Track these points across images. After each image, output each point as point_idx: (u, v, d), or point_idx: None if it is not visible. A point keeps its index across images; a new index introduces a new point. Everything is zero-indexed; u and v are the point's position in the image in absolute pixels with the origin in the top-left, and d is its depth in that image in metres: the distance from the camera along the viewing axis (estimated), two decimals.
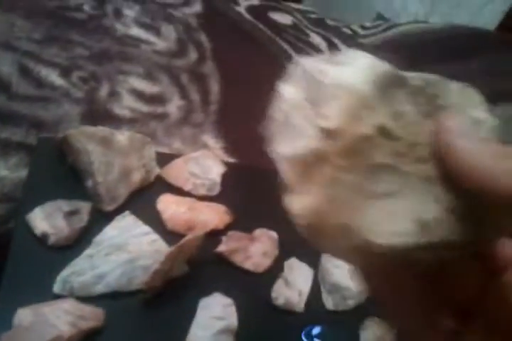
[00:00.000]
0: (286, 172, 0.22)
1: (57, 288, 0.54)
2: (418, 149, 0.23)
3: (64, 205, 0.61)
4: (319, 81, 0.22)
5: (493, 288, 0.25)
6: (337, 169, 0.21)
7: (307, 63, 0.23)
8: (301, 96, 0.23)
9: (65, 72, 0.92)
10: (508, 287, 0.24)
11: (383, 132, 0.22)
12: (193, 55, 1.11)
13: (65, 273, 0.55)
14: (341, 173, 0.22)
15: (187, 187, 0.71)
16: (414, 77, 0.24)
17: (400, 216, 0.22)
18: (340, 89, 0.22)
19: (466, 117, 0.24)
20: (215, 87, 1.06)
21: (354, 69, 0.23)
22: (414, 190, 0.23)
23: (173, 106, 0.96)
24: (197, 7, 1.24)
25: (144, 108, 0.92)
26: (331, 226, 0.22)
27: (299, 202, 0.21)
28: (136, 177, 0.69)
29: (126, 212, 0.64)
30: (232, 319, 0.57)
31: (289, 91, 0.23)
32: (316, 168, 0.21)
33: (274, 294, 0.62)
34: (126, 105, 0.91)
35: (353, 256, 0.23)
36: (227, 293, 0.60)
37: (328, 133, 0.21)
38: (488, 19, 1.87)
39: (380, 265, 0.24)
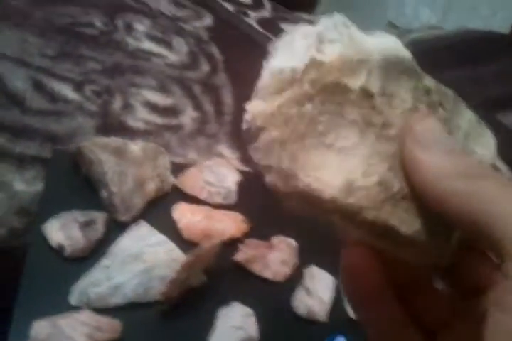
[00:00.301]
0: (263, 81, 0.22)
1: (73, 299, 0.53)
2: (387, 128, 0.23)
3: (79, 216, 0.61)
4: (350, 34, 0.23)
5: (463, 312, 0.24)
6: (306, 101, 0.22)
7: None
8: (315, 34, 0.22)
9: (78, 86, 0.92)
10: (480, 313, 0.21)
11: (366, 95, 0.22)
12: (205, 67, 1.11)
13: (81, 284, 0.54)
14: (308, 107, 0.22)
15: (202, 196, 0.70)
16: (431, 80, 0.24)
17: (338, 170, 0.22)
18: (358, 44, 0.22)
19: (442, 121, 0.23)
20: (228, 98, 1.05)
21: (386, 38, 0.23)
22: (364, 158, 0.22)
23: (187, 118, 0.95)
24: (208, 20, 1.24)
25: (158, 120, 0.92)
26: (276, 146, 0.22)
27: (257, 105, 0.22)
28: (151, 187, 0.68)
29: (142, 222, 0.63)
30: (252, 329, 0.55)
31: (307, 27, 0.23)
32: (290, 90, 0.22)
33: (295, 303, 0.61)
34: (140, 117, 0.91)
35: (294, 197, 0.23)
36: (246, 302, 0.59)
37: (316, 65, 0.22)
38: (501, 26, 1.86)
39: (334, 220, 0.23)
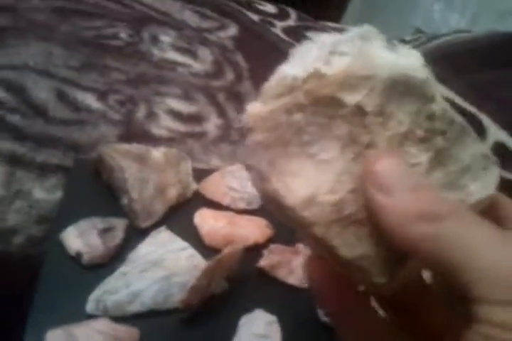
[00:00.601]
0: (269, 84, 0.23)
1: (89, 307, 0.51)
2: (370, 148, 0.23)
3: (98, 223, 0.59)
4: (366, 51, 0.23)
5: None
6: (297, 110, 0.22)
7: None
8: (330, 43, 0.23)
9: (102, 96, 0.92)
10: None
11: (360, 112, 0.23)
12: (229, 76, 1.11)
13: (97, 292, 0.53)
14: (298, 116, 0.22)
15: (225, 202, 0.68)
16: (443, 105, 0.24)
17: (309, 181, 0.22)
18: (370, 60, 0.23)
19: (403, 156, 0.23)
20: None
21: (406, 56, 0.23)
22: (337, 174, 0.23)
23: (211, 125, 0.94)
24: (232, 30, 1.24)
25: (182, 127, 0.91)
26: (259, 149, 0.22)
27: (255, 107, 0.22)
28: (173, 193, 0.66)
29: (162, 227, 0.61)
30: (276, 337, 0.53)
31: (327, 37, 0.23)
32: (287, 97, 0.22)
33: (320, 310, 0.58)
34: (164, 125, 0.90)
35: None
36: (270, 309, 0.56)
37: (317, 77, 0.22)
38: None
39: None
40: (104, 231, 0.59)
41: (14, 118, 0.80)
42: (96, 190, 0.66)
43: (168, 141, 0.87)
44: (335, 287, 0.25)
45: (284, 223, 0.24)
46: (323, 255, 0.24)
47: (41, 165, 0.74)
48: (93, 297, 0.52)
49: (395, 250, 0.22)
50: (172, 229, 0.62)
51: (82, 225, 0.59)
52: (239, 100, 1.04)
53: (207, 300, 0.55)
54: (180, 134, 0.89)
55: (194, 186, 0.70)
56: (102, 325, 0.49)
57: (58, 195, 0.69)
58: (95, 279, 0.54)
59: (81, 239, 0.57)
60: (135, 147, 0.69)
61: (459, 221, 0.20)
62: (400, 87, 0.23)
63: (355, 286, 0.25)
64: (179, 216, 0.65)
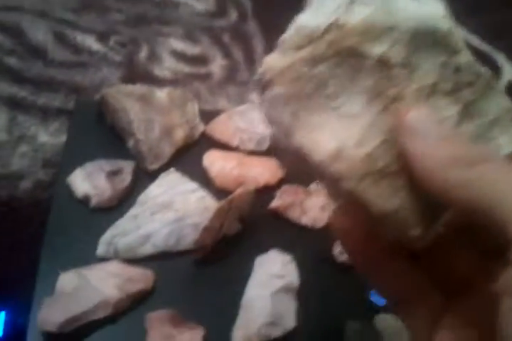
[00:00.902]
0: (287, 34, 0.21)
1: (100, 250, 0.51)
2: (397, 101, 0.22)
3: (105, 165, 0.58)
4: None
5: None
6: (320, 61, 0.21)
7: None
8: None
9: (102, 37, 0.88)
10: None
11: (384, 64, 0.22)
12: (233, 15, 1.06)
13: (108, 234, 0.52)
14: (321, 68, 0.21)
15: (234, 143, 0.66)
16: (468, 56, 0.23)
17: (334, 135, 0.22)
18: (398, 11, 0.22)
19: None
20: (258, 46, 1.01)
21: (431, 6, 0.22)
22: (363, 127, 0.22)
23: (216, 66, 0.91)
24: None
25: (186, 69, 0.88)
26: (280, 102, 0.22)
27: (273, 59, 0.21)
28: (180, 135, 0.64)
29: (171, 169, 0.60)
30: (292, 277, 0.52)
31: None
32: (307, 48, 0.21)
33: (336, 250, 0.57)
34: (167, 66, 0.87)
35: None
36: (284, 250, 0.55)
37: (338, 27, 0.21)
38: None
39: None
40: (112, 174, 0.57)
41: (11, 61, 0.77)
42: (100, 133, 0.64)
43: (173, 82, 0.84)
44: (363, 239, 0.24)
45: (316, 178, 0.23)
46: (354, 210, 0.23)
47: (43, 108, 0.72)
48: (104, 240, 0.51)
49: (430, 202, 0.21)
50: (181, 171, 0.61)
51: (89, 168, 0.57)
52: (244, 40, 1.01)
53: (220, 242, 0.54)
54: (185, 76, 0.86)
55: (201, 127, 0.68)
56: (115, 267, 0.48)
57: (63, 138, 0.67)
58: (105, 222, 0.53)
59: (88, 181, 0.55)
60: (138, 87, 0.66)
61: (492, 166, 0.20)
62: (425, 39, 0.22)
63: (383, 239, 0.24)
64: (187, 158, 0.64)
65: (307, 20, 0.21)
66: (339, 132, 0.22)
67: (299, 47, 0.21)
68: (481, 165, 0.20)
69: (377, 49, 0.21)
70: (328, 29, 0.21)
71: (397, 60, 0.22)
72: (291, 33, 0.21)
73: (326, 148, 0.21)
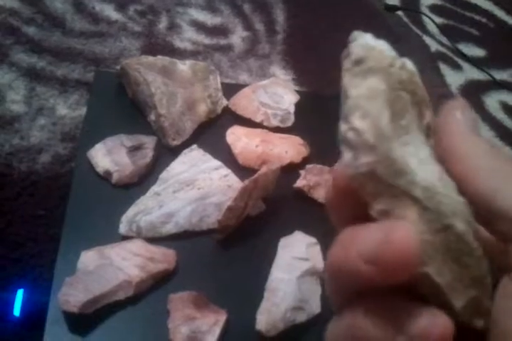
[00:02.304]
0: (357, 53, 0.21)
1: (123, 228, 0.49)
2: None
3: (126, 140, 0.56)
4: None
5: None
6: (402, 89, 0.21)
7: None
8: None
9: (121, 6, 0.86)
10: None
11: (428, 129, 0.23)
12: None
13: (130, 212, 0.50)
14: (404, 94, 0.21)
15: (258, 119, 0.64)
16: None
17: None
18: None
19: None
20: (280, 16, 0.98)
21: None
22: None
23: (237, 38, 0.89)
24: None
25: (206, 40, 0.86)
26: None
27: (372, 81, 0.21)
28: (202, 109, 0.62)
29: (194, 146, 0.58)
30: (317, 259, 0.51)
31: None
32: (389, 73, 0.21)
33: None
34: (187, 37, 0.85)
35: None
36: (309, 231, 0.54)
37: (403, 68, 0.22)
38: None
39: None
40: (133, 150, 0.56)
41: (30, 30, 0.75)
42: (120, 106, 0.63)
43: (193, 54, 0.82)
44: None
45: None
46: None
47: (61, 79, 0.70)
48: (126, 218, 0.50)
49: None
50: (203, 147, 0.59)
51: (110, 143, 0.56)
52: (266, 11, 0.98)
53: (243, 222, 0.52)
54: (205, 47, 0.84)
55: (224, 102, 0.66)
56: (137, 246, 0.47)
57: (81, 111, 0.65)
58: (126, 199, 0.52)
59: (109, 157, 0.54)
60: (160, 59, 0.64)
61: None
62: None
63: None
64: (210, 134, 0.62)
65: (383, 46, 0.21)
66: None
67: (380, 70, 0.21)
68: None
69: (427, 114, 0.22)
70: (403, 65, 0.21)
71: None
72: (364, 42, 0.21)
73: None
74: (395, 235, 0.18)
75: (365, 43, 0.21)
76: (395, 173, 0.20)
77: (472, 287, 0.20)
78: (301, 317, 0.46)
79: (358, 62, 0.20)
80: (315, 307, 0.48)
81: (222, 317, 0.45)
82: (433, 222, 0.20)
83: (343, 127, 0.20)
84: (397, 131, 0.20)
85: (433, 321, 0.19)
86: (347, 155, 0.20)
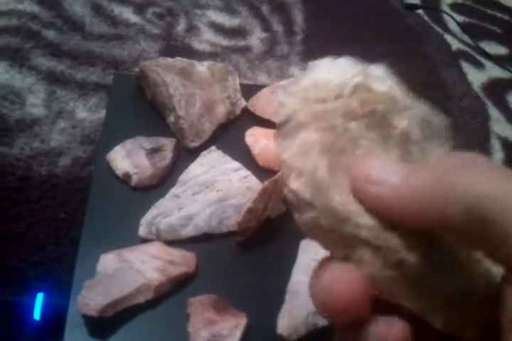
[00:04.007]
0: (302, 85, 0.22)
1: (142, 231, 0.49)
2: None
3: (145, 142, 0.56)
4: None
5: None
6: (352, 118, 0.21)
7: None
8: None
9: (140, 9, 0.86)
10: None
11: (405, 137, 0.22)
12: None
13: (149, 215, 0.50)
14: (353, 125, 0.21)
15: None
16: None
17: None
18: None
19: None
20: (298, 17, 0.97)
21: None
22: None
23: (256, 39, 0.88)
24: None
25: (225, 42, 0.86)
26: (314, 150, 0.21)
27: (295, 104, 0.22)
28: (221, 111, 0.62)
29: (213, 147, 0.58)
30: None
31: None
32: (337, 101, 0.21)
33: None
34: (206, 39, 0.85)
35: None
36: None
37: (366, 91, 0.22)
38: None
39: None
40: (152, 152, 0.55)
41: (50, 34, 0.75)
42: (140, 108, 0.62)
43: (212, 56, 0.82)
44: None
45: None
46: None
47: (81, 82, 0.70)
48: (145, 220, 0.49)
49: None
50: (222, 149, 0.58)
51: (129, 145, 0.55)
52: (284, 12, 0.97)
53: (263, 224, 0.52)
54: (224, 49, 0.84)
55: (243, 103, 0.65)
56: (157, 249, 0.47)
57: (101, 114, 0.65)
58: (146, 201, 0.52)
59: (128, 159, 0.54)
60: (178, 60, 0.64)
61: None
62: (428, 127, 0.22)
63: None
64: (229, 135, 0.61)
65: (326, 75, 0.21)
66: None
67: (324, 100, 0.21)
68: (462, 169, 0.18)
69: (400, 122, 0.21)
70: (357, 88, 0.21)
71: (414, 139, 0.22)
72: (307, 84, 0.21)
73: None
74: (336, 286, 0.20)
75: (310, 82, 0.21)
76: (338, 221, 0.20)
77: (452, 305, 0.20)
78: (323, 321, 0.45)
79: (287, 120, 0.21)
80: None
81: (242, 321, 0.44)
82: (388, 258, 0.20)
83: (284, 190, 0.21)
84: (342, 172, 0.20)
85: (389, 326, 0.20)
86: (294, 214, 0.21)
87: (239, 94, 0.65)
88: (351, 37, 0.94)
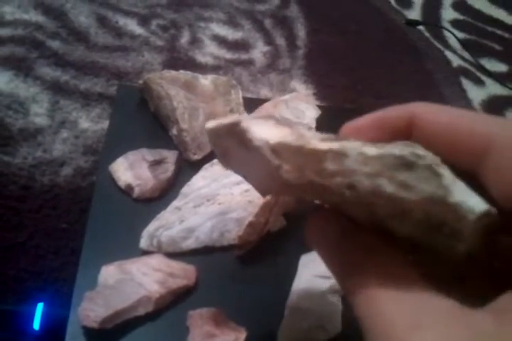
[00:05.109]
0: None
1: (143, 243, 0.49)
2: None
3: (148, 154, 0.56)
4: None
5: None
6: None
7: None
8: None
9: (144, 21, 0.87)
10: None
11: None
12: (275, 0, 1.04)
13: (151, 227, 0.50)
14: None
15: None
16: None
17: None
18: None
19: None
20: (301, 31, 0.98)
21: None
22: None
23: (258, 52, 0.89)
24: None
25: (228, 55, 0.86)
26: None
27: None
28: None
29: (215, 160, 0.58)
30: None
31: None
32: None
33: None
34: (209, 52, 0.85)
35: None
36: None
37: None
38: None
39: None
40: (154, 164, 0.56)
41: (55, 44, 0.76)
42: (143, 120, 0.63)
43: (215, 69, 0.82)
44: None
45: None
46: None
47: (84, 93, 0.70)
48: (147, 232, 0.50)
49: None
50: None
51: (131, 157, 0.56)
52: (287, 26, 0.98)
53: (264, 238, 0.52)
54: (227, 62, 0.84)
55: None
56: (158, 261, 0.47)
57: (104, 124, 0.66)
58: (147, 213, 0.52)
59: (131, 171, 0.54)
60: (182, 73, 0.65)
61: None
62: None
63: None
64: None
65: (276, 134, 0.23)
66: None
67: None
68: None
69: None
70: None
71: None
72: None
73: None
74: None
75: None
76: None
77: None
78: (322, 336, 0.45)
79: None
80: (336, 325, 0.47)
81: (241, 335, 0.44)
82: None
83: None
84: None
85: None
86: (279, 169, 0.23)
87: (242, 108, 0.66)
88: (353, 52, 0.95)
